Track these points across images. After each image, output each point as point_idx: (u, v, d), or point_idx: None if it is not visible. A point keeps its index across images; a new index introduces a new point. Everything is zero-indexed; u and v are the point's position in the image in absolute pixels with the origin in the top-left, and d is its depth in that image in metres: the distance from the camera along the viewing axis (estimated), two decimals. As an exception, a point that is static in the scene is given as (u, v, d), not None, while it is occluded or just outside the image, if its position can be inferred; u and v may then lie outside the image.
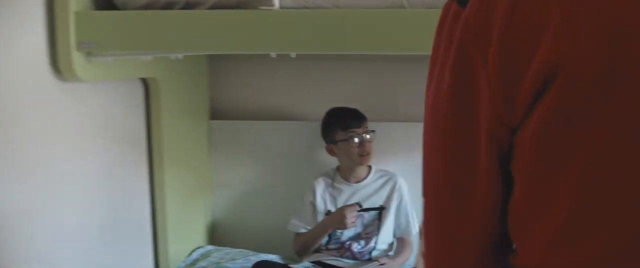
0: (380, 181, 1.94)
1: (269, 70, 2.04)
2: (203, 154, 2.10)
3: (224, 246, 2.03)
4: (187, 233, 2.00)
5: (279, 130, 2.11)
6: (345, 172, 1.94)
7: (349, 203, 1.87)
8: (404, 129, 1.89)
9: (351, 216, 1.78)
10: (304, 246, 1.89)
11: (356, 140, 1.83)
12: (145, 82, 1.75)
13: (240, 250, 1.97)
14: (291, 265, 1.83)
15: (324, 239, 1.88)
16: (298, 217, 1.93)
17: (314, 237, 1.87)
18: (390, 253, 1.89)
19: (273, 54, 1.48)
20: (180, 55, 1.53)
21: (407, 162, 1.86)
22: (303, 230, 1.91)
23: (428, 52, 0.57)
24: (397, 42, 1.25)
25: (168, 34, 1.33)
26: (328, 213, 1.90)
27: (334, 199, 1.92)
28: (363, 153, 1.85)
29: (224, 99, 2.14)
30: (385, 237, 1.89)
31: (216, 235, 2.16)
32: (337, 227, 1.81)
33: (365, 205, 1.90)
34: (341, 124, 1.85)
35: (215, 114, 2.14)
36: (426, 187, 0.59)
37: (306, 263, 1.86)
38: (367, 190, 1.92)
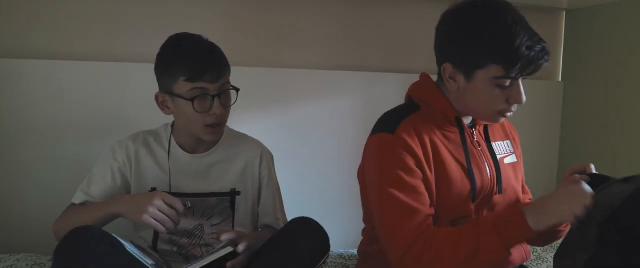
0: (233, 152, 1.35)
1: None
2: None
3: None
4: None
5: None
6: (182, 137, 1.31)
7: (177, 189, 1.27)
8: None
9: (157, 212, 1.10)
10: (67, 224, 1.13)
11: (205, 102, 1.20)
12: None
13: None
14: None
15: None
16: (87, 184, 1.28)
17: (89, 218, 1.15)
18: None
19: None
20: None
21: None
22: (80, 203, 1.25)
23: None
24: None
25: None
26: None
27: (159, 174, 1.30)
28: (212, 123, 1.23)
29: None
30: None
31: None
32: (131, 216, 1.13)
33: (210, 188, 1.30)
34: (186, 70, 1.18)
35: None
36: None
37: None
38: (212, 166, 1.32)
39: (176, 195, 1.25)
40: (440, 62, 1.14)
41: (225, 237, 1.15)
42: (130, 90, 1.63)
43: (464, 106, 1.15)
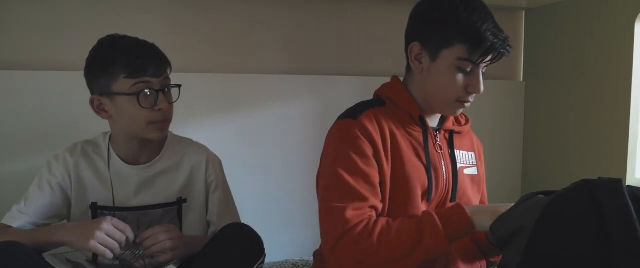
0: (177, 159, 1.29)
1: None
2: None
3: None
4: None
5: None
6: (122, 147, 1.24)
7: (120, 203, 1.22)
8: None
9: (105, 237, 1.05)
10: None
11: (150, 97, 1.16)
12: None
13: None
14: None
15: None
16: (24, 203, 1.20)
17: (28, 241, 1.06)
18: None
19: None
20: None
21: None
22: (18, 225, 1.17)
23: None
24: None
25: None
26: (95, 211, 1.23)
27: (99, 187, 1.23)
28: (157, 120, 1.18)
29: None
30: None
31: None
32: (77, 244, 1.06)
33: (155, 200, 1.25)
34: (127, 66, 1.13)
35: None
36: None
37: None
38: (157, 176, 1.26)
39: (119, 209, 1.21)
40: (408, 44, 1.17)
41: (161, 254, 1.11)
42: (77, 99, 1.57)
43: (425, 93, 1.17)
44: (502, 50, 1.09)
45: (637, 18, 1.67)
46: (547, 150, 2.10)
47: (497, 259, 1.25)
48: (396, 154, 1.13)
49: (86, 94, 1.21)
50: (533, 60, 2.18)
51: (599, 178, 0.83)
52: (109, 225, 1.07)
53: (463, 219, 1.00)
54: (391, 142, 1.13)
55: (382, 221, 1.04)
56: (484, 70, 1.14)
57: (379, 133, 1.12)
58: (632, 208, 0.78)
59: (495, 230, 0.93)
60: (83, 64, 1.19)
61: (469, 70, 1.10)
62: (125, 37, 1.19)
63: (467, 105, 1.15)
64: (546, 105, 2.10)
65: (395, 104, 1.19)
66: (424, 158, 1.16)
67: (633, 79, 1.69)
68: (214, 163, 1.34)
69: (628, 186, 0.82)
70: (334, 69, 1.94)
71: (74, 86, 1.32)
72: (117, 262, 1.26)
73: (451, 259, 1.17)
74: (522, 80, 2.24)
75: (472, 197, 1.23)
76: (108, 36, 1.20)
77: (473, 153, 1.28)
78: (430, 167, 1.15)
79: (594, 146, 1.86)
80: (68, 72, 1.56)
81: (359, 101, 1.25)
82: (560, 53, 2.01)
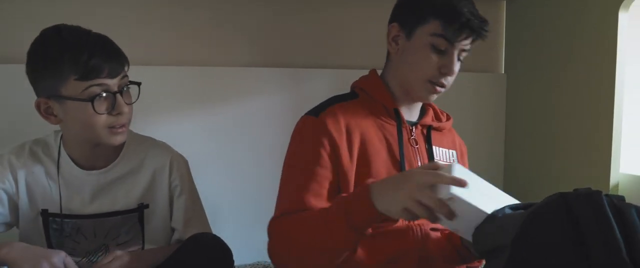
0: (138, 162, 1.18)
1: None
2: None
3: None
4: None
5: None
6: (75, 150, 1.12)
7: (70, 211, 1.12)
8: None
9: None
10: None
11: (106, 100, 1.04)
12: None
13: None
14: None
15: None
16: None
17: None
18: None
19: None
20: None
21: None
22: None
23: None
24: None
25: None
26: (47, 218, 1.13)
27: (50, 193, 1.12)
28: (115, 125, 1.06)
29: None
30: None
31: None
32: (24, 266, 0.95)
33: (113, 207, 1.15)
34: (77, 66, 0.99)
35: None
36: None
37: None
38: (115, 181, 1.15)
39: (72, 217, 1.10)
40: (389, 25, 1.17)
41: None
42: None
43: (399, 76, 1.16)
44: (477, 29, 1.07)
45: (621, 7, 1.62)
46: (529, 145, 2.05)
47: (477, 264, 1.19)
48: (363, 151, 1.09)
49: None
50: (514, 52, 2.12)
51: (575, 190, 0.74)
52: (60, 264, 0.96)
53: (366, 205, 0.88)
54: (359, 137, 1.09)
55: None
56: (461, 57, 1.11)
57: (342, 129, 1.08)
58: (614, 223, 0.68)
59: (474, 244, 0.86)
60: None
61: (443, 49, 1.08)
62: (73, 28, 1.04)
63: (441, 90, 1.12)
64: (528, 97, 2.04)
65: (369, 95, 1.17)
66: (397, 153, 1.11)
67: (617, 69, 1.63)
68: (179, 165, 1.22)
69: (606, 195, 0.73)
70: (307, 62, 1.86)
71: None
72: (76, 262, 1.16)
73: (432, 263, 1.11)
74: (503, 72, 2.17)
75: None
76: (53, 27, 1.04)
77: (454, 151, 1.23)
78: (403, 162, 1.11)
79: (578, 140, 1.81)
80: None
81: (333, 95, 1.21)
82: (543, 44, 1.95)
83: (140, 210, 1.17)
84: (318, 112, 1.12)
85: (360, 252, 1.07)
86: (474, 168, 1.35)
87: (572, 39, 1.81)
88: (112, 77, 1.02)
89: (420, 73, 1.10)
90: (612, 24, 1.64)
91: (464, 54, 1.12)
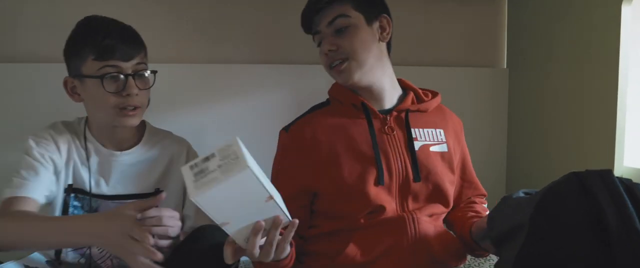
0: (157, 149, 1.24)
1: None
2: None
3: None
4: None
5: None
6: (98, 130, 1.19)
7: (97, 191, 1.16)
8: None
9: (147, 239, 0.89)
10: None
11: (116, 81, 1.10)
12: None
13: None
14: None
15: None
16: (22, 178, 1.09)
17: (32, 236, 0.95)
18: None
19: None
20: None
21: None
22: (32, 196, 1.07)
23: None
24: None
25: None
26: (72, 194, 1.15)
27: (79, 170, 1.16)
28: (125, 106, 1.11)
29: None
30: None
31: None
32: (117, 253, 0.93)
33: (132, 190, 1.18)
34: (94, 47, 1.08)
35: None
36: None
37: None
38: (133, 165, 1.20)
39: (94, 196, 1.16)
40: (377, 16, 1.21)
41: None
42: (30, 92, 1.48)
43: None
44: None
45: (624, 1, 1.60)
46: (532, 139, 2.04)
47: (484, 254, 1.20)
48: (332, 153, 1.13)
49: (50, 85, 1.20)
50: (517, 47, 2.11)
51: (586, 170, 0.81)
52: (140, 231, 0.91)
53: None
54: (326, 143, 1.14)
55: None
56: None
57: (310, 138, 1.15)
58: (626, 196, 0.76)
59: (489, 230, 0.89)
60: (46, 57, 1.22)
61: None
62: (101, 18, 1.14)
63: None
64: (531, 92, 2.03)
65: (336, 100, 1.21)
66: (370, 148, 1.14)
67: (620, 63, 1.62)
68: (196, 156, 1.27)
69: (616, 177, 0.80)
70: (307, 58, 1.86)
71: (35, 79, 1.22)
72: (83, 260, 1.19)
73: (429, 252, 1.12)
74: (505, 67, 2.16)
75: (443, 174, 1.19)
76: (86, 17, 1.15)
77: (441, 130, 1.24)
78: (377, 153, 1.13)
79: (581, 134, 1.80)
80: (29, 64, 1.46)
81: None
82: (545, 39, 1.94)
83: (156, 195, 1.17)
84: (289, 126, 1.19)
85: (353, 247, 1.09)
86: (475, 165, 1.36)
87: (575, 33, 1.80)
88: (125, 60, 1.10)
89: None
90: (615, 18, 1.63)
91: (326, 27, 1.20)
